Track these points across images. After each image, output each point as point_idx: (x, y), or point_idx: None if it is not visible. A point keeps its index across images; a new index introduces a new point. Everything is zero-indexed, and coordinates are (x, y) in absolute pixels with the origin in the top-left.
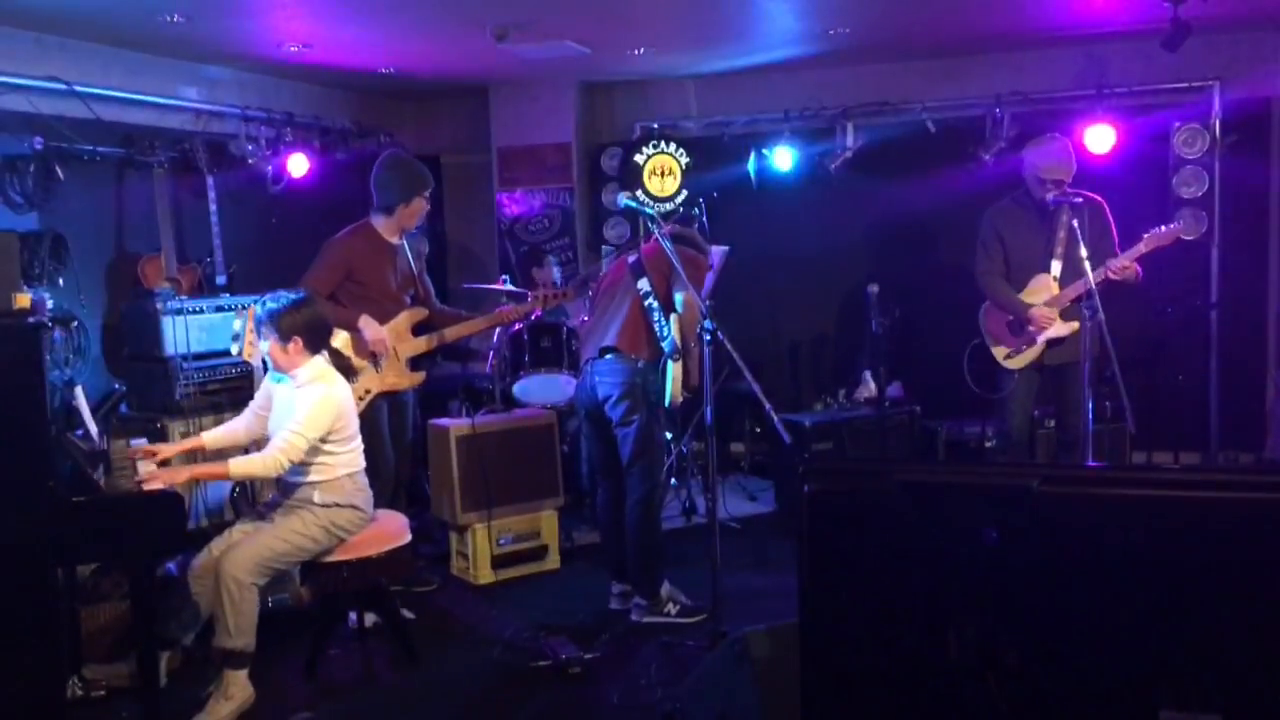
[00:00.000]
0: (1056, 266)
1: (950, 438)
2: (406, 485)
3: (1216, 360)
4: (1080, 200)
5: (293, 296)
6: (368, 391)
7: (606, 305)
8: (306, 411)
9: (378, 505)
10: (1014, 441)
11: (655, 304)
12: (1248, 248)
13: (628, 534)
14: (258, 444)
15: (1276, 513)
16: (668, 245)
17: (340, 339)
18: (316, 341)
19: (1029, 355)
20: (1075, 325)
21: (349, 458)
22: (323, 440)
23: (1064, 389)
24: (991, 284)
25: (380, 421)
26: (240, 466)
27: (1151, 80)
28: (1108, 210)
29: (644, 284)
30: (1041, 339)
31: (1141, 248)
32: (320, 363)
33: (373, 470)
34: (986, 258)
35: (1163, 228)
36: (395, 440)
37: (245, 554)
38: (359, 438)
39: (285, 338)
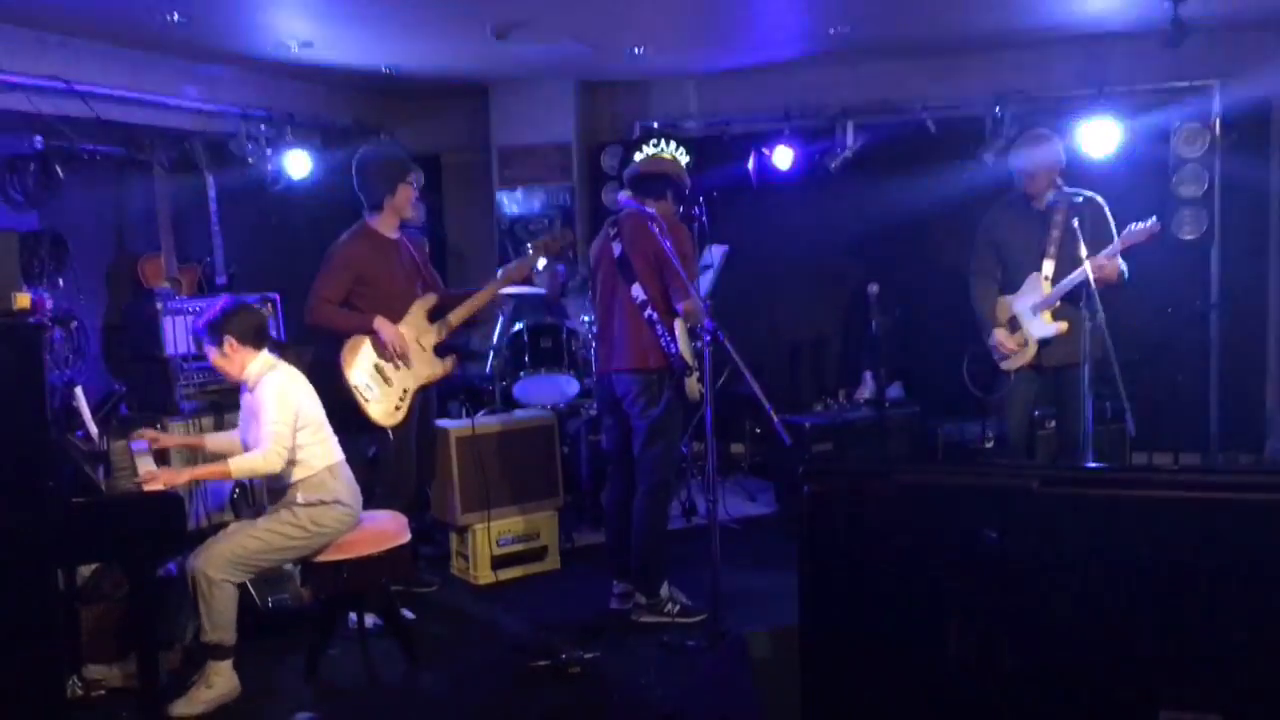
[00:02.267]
0: (1049, 266)
1: (950, 438)
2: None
3: (1216, 360)
4: (1081, 199)
5: (221, 304)
6: (406, 391)
7: (607, 318)
8: (270, 404)
9: (394, 508)
10: (1011, 443)
11: (655, 315)
12: (1248, 248)
13: (633, 526)
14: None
15: (1276, 513)
16: (667, 244)
17: (363, 346)
18: (252, 337)
19: (1023, 358)
20: (1063, 325)
21: (322, 449)
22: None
23: (1063, 391)
24: (974, 286)
25: (411, 426)
26: (240, 465)
27: (1151, 79)
28: (1106, 208)
29: (638, 292)
30: (1033, 340)
31: (1118, 244)
32: (266, 357)
33: (396, 475)
34: (976, 259)
35: (1136, 225)
36: (421, 432)
37: (217, 551)
38: (326, 427)
39: (219, 340)
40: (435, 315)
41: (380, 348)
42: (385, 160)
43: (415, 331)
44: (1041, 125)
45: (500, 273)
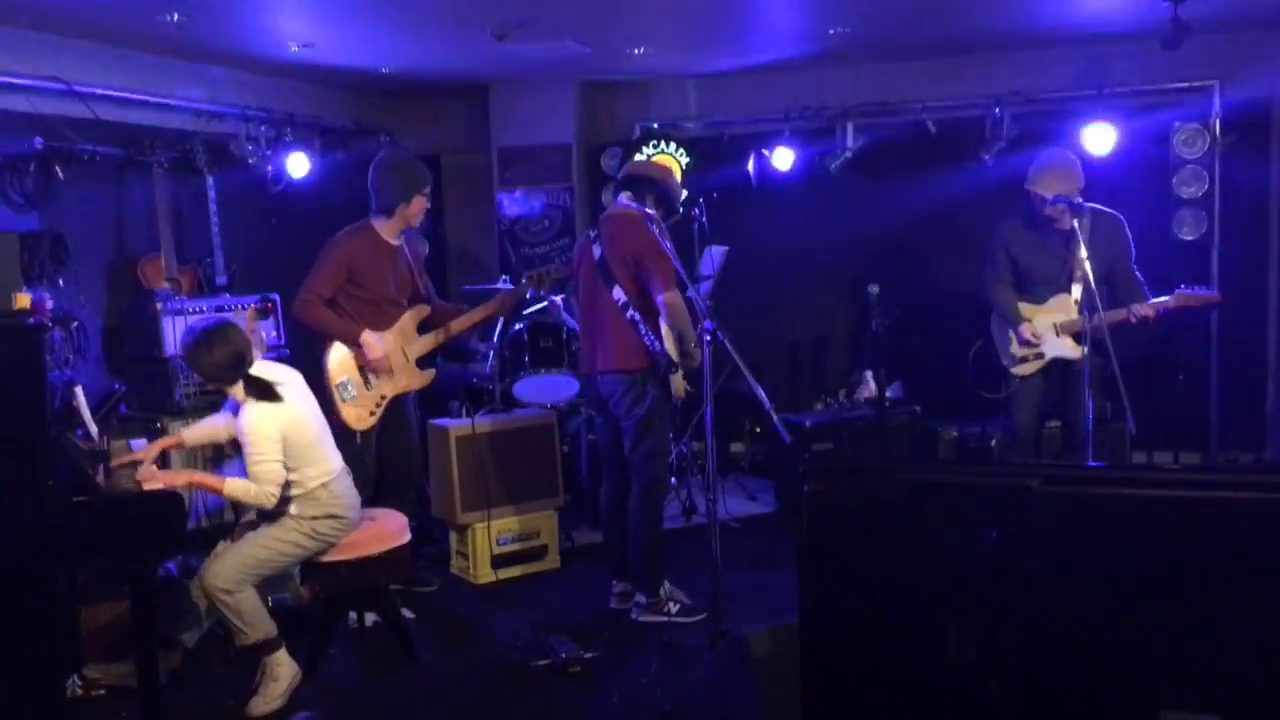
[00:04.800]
0: (1078, 290)
1: (951, 438)
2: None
3: (1216, 360)
4: (1079, 202)
5: (187, 339)
6: (383, 397)
7: (590, 317)
8: (249, 441)
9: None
10: (1019, 440)
11: (637, 316)
12: (1248, 248)
13: (629, 527)
14: (234, 440)
15: (1276, 513)
16: (667, 245)
17: (340, 353)
18: (227, 372)
19: (1034, 366)
20: (1083, 350)
21: (316, 470)
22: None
23: (1069, 390)
24: (993, 291)
25: (375, 431)
26: (233, 488)
27: (1151, 80)
28: (1124, 228)
29: (618, 293)
30: (1048, 356)
31: (1170, 302)
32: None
33: (358, 479)
34: (992, 269)
35: (1200, 289)
36: (403, 439)
37: (225, 565)
38: (319, 446)
39: (207, 378)
40: (425, 327)
41: (360, 357)
42: (406, 166)
43: (402, 340)
44: (1040, 127)
45: (495, 299)
